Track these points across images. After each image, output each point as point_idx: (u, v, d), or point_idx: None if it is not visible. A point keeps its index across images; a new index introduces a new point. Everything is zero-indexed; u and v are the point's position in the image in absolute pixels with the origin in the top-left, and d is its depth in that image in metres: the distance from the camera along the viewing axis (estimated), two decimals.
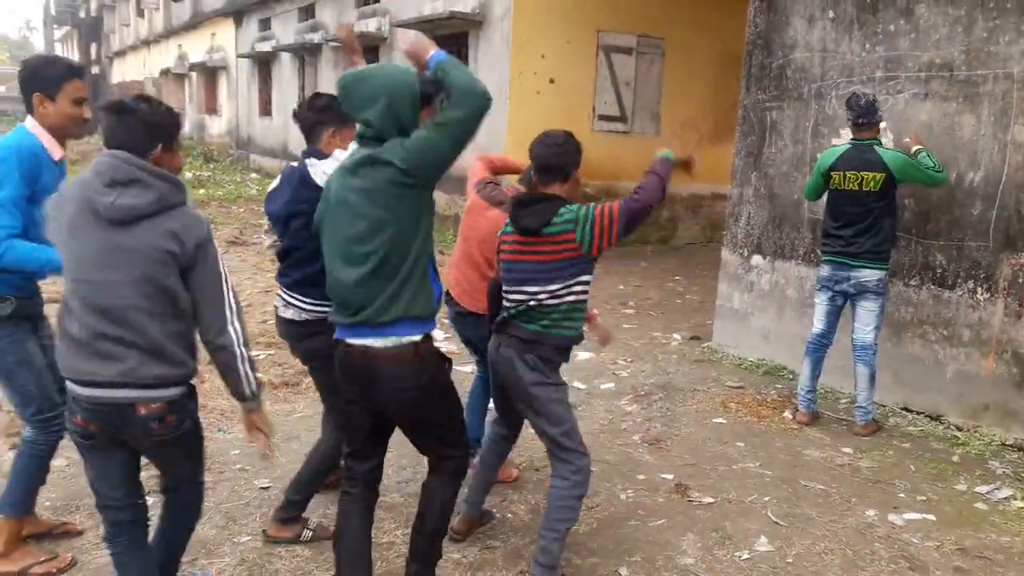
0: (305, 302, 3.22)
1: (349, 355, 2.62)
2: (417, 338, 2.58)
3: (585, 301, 3.13)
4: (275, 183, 3.37)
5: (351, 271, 2.54)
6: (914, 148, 4.81)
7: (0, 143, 2.94)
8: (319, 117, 3.29)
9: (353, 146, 2.79)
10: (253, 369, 2.54)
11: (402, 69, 2.61)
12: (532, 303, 3.04)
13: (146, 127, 2.39)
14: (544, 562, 3.04)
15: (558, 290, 3.02)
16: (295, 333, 3.31)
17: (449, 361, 2.79)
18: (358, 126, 2.62)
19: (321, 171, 3.13)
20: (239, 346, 2.48)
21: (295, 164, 3.34)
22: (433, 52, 2.58)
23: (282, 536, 3.40)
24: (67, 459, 4.09)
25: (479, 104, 2.49)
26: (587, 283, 3.10)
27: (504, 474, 4.03)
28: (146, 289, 2.33)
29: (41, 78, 2.99)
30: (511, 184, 4.02)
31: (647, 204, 3.01)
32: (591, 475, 3.20)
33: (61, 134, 3.07)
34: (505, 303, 3.15)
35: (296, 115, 3.40)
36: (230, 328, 2.46)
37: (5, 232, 2.85)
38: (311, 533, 3.42)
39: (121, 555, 2.62)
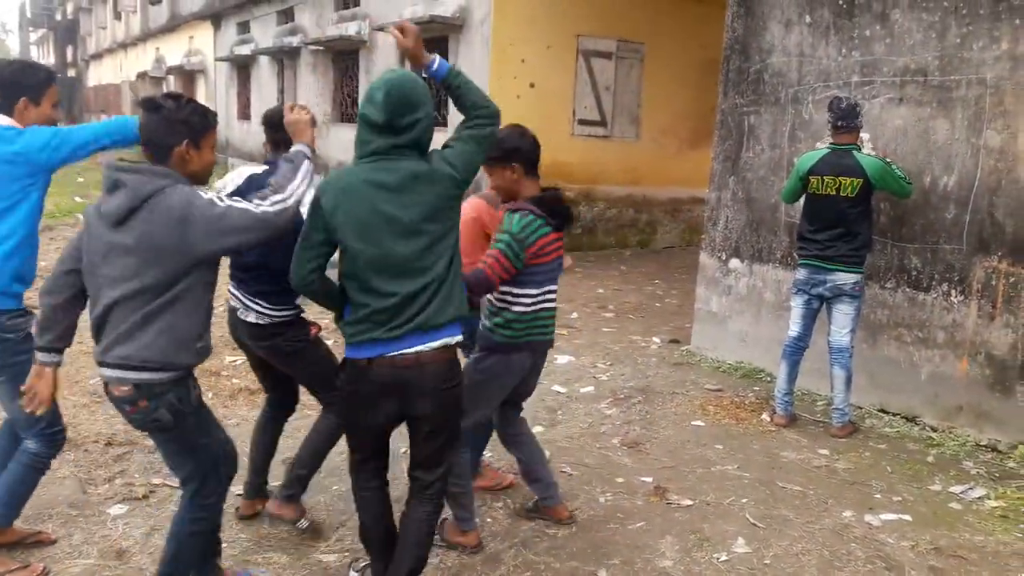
0: (270, 308, 3.28)
1: (393, 366, 2.59)
2: (459, 337, 2.69)
3: None
4: (233, 186, 3.29)
5: (408, 284, 2.53)
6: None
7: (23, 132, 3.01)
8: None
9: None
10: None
11: (421, 79, 2.65)
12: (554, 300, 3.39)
13: (170, 124, 2.50)
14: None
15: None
16: (257, 335, 3.35)
17: None
18: (379, 137, 2.52)
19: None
20: (286, 189, 2.58)
21: (259, 172, 3.31)
22: (434, 57, 2.67)
23: (282, 515, 3.45)
24: None
25: (498, 122, 2.70)
26: None
27: (497, 479, 4.10)
28: (134, 284, 2.42)
29: (27, 83, 3.09)
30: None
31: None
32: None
33: None
34: (533, 305, 3.29)
35: (271, 122, 3.42)
36: (268, 213, 2.51)
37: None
38: (307, 523, 3.42)
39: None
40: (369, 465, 2.86)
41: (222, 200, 2.47)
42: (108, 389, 2.55)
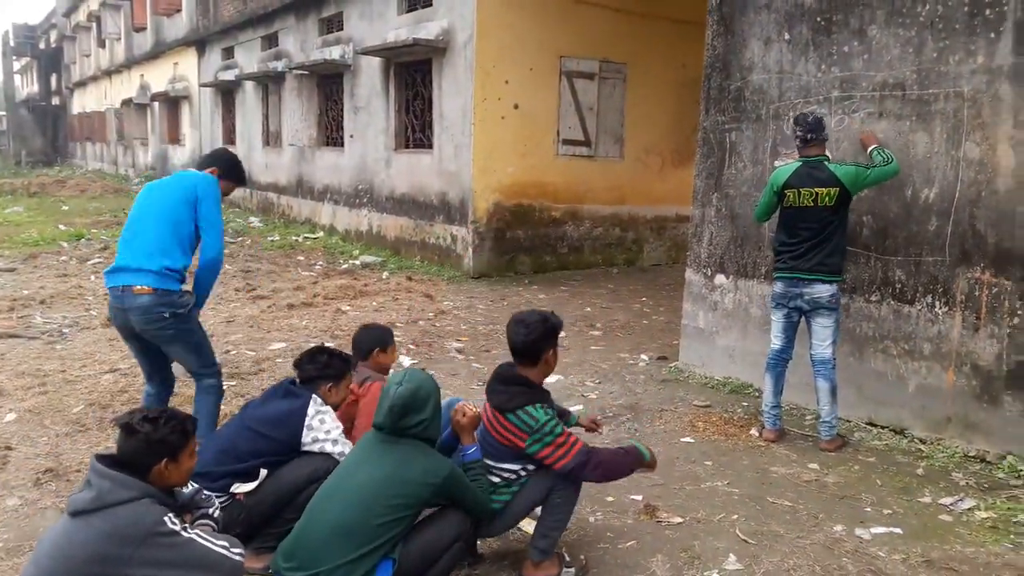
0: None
1: None
2: None
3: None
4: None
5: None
6: (869, 149, 4.96)
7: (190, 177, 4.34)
8: (320, 372, 3.54)
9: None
10: None
11: (434, 382, 3.08)
12: (519, 476, 3.31)
13: (149, 445, 2.57)
14: (545, 547, 3.35)
15: (516, 471, 3.31)
16: None
17: None
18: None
19: (320, 424, 3.41)
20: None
21: (295, 396, 3.47)
22: (476, 445, 3.22)
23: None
24: (20, 499, 3.99)
25: (485, 513, 3.19)
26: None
27: None
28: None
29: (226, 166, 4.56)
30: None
31: (601, 478, 3.31)
32: None
33: None
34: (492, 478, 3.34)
35: (296, 365, 3.63)
36: (228, 560, 2.59)
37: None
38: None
39: None
40: None
41: (186, 531, 2.53)
42: None
